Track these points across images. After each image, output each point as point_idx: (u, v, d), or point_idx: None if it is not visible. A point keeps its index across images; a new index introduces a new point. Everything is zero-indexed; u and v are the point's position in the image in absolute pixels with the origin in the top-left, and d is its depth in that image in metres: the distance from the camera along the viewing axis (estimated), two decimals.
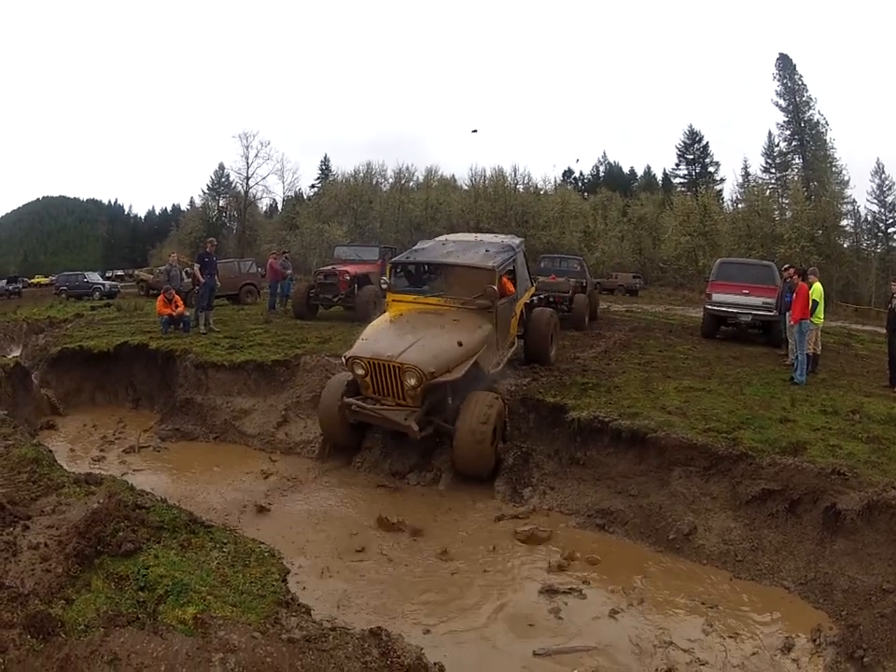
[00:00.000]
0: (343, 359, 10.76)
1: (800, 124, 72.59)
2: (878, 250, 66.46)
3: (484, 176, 78.28)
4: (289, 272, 26.03)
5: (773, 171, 75.65)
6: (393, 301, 12.33)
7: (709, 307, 20.39)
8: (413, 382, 9.87)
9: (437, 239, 14.52)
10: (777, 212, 64.41)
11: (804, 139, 72.26)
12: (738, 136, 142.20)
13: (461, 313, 11.52)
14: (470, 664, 6.03)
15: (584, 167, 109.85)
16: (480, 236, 14.96)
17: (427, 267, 12.91)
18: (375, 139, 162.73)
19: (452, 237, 14.79)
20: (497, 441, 10.40)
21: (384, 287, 12.84)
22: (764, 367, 15.26)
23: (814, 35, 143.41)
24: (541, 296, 18.87)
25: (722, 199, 74.17)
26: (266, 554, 5.92)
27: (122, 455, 12.11)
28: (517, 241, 14.56)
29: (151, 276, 41.62)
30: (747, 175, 76.02)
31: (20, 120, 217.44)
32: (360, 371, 10.41)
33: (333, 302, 21.93)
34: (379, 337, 10.82)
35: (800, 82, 73.24)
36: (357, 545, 8.46)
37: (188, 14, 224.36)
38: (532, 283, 15.62)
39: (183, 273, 22.20)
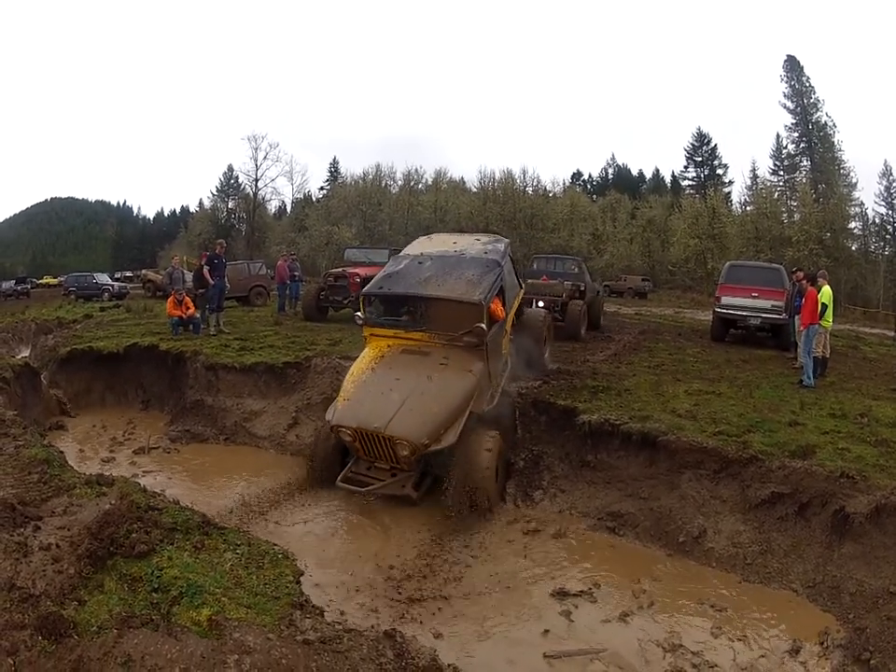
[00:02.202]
0: (328, 425, 10.08)
1: (808, 126, 72.52)
2: (886, 253, 66.39)
3: (493, 179, 78.38)
4: (297, 273, 26.10)
5: (781, 173, 75.60)
6: (371, 335, 11.35)
7: (719, 310, 20.36)
8: (405, 453, 9.34)
9: (411, 253, 12.61)
10: (785, 214, 64.45)
11: (811, 141, 72.19)
12: (746, 138, 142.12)
13: (448, 351, 10.61)
14: (483, 666, 6.06)
15: (593, 169, 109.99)
16: (460, 242, 13.20)
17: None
18: (384, 140, 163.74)
19: (429, 247, 12.93)
20: (500, 476, 10.15)
21: (358, 322, 11.58)
22: (773, 370, 15.28)
23: (822, 36, 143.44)
24: (529, 299, 17.65)
25: (731, 201, 74.23)
26: (280, 556, 5.90)
27: (132, 456, 12.15)
28: (502, 245, 13.09)
29: (159, 277, 41.61)
30: (755, 177, 76.22)
31: (29, 121, 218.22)
32: (348, 438, 9.80)
33: (344, 305, 21.87)
34: (363, 397, 9.97)
35: (808, 84, 73.18)
36: (366, 548, 8.53)
37: (197, 15, 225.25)
38: (521, 286, 14.46)
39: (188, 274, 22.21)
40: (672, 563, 8.31)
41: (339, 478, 9.92)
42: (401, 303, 11.37)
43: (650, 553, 8.57)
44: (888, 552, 7.26)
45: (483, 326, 10.39)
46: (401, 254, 12.73)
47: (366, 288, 11.75)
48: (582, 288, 21.43)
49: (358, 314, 11.54)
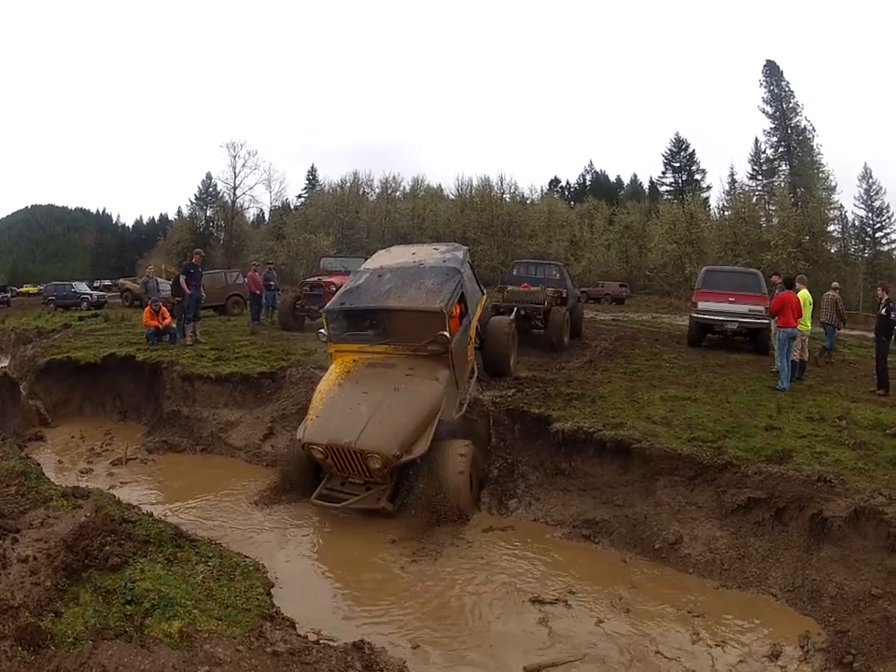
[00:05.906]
0: (299, 442, 10.08)
1: (787, 130, 72.90)
2: (865, 255, 66.82)
3: (471, 186, 79.25)
4: (273, 282, 25.95)
5: (759, 178, 75.97)
6: (336, 351, 11.37)
7: (695, 315, 20.26)
8: (377, 465, 9.33)
9: (371, 268, 12.74)
10: (763, 219, 65.05)
11: (790, 145, 72.57)
12: (725, 144, 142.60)
13: (413, 361, 10.69)
14: None
15: (571, 175, 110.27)
16: (419, 254, 13.41)
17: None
18: (362, 146, 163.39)
19: (388, 260, 13.08)
20: (474, 485, 10.11)
21: (322, 339, 11.72)
22: (751, 374, 15.25)
23: (802, 39, 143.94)
24: (510, 307, 17.83)
25: (709, 206, 74.95)
26: (251, 568, 5.95)
27: (110, 467, 12.14)
28: (461, 253, 13.30)
29: (136, 286, 41.52)
30: (733, 182, 76.71)
31: (8, 128, 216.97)
32: (319, 455, 9.78)
33: (320, 314, 21.40)
34: (331, 413, 9.96)
35: (787, 89, 73.61)
36: (344, 558, 8.52)
37: (175, 24, 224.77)
38: (483, 292, 14.45)
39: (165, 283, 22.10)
40: (648, 570, 8.29)
41: (314, 495, 9.84)
42: (364, 317, 11.47)
43: (626, 561, 8.55)
44: (868, 555, 7.25)
45: (446, 333, 10.51)
46: (361, 268, 12.83)
47: (328, 305, 11.87)
48: (564, 295, 20.64)
49: (322, 331, 11.61)
